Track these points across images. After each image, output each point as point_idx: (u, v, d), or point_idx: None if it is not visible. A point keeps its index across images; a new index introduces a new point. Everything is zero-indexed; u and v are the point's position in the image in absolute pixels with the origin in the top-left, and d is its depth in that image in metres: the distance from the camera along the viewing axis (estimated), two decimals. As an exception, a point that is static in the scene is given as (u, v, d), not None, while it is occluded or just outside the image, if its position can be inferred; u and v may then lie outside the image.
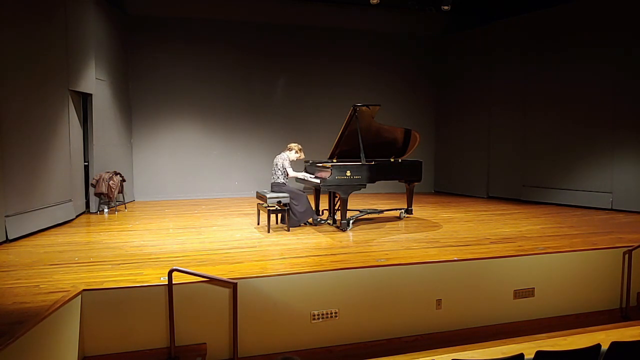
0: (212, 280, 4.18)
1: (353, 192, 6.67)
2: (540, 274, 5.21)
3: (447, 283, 4.89)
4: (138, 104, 10.01)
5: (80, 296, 3.89)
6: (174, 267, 4.06)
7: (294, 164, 7.08)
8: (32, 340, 3.22)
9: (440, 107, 11.81)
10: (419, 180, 7.50)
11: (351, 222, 6.89)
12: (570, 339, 3.43)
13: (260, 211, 7.02)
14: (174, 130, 10.26)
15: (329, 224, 7.14)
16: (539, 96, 9.54)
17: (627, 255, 5.45)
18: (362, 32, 11.22)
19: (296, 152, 7.04)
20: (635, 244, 5.52)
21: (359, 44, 11.25)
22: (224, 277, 4.22)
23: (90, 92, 8.04)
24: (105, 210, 8.31)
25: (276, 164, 6.98)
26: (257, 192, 7.09)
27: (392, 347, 4.52)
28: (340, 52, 11.13)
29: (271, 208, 6.56)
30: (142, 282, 4.18)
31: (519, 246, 5.63)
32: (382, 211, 7.86)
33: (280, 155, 7.03)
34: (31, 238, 6.17)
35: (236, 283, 4.18)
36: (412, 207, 7.83)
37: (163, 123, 10.18)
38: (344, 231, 6.62)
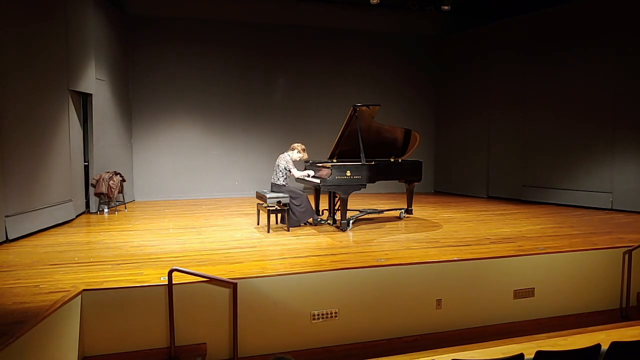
0: (212, 280, 4.18)
1: (353, 192, 6.67)
2: (540, 274, 5.21)
3: (447, 283, 4.89)
4: (138, 104, 10.01)
5: (80, 296, 3.89)
6: (174, 267, 4.06)
7: (296, 163, 7.05)
8: (32, 340, 3.22)
9: (440, 107, 11.80)
10: (419, 180, 7.50)
11: (351, 222, 6.89)
12: (570, 339, 3.43)
13: (260, 211, 7.02)
14: (174, 130, 10.26)
15: (329, 224, 7.14)
16: (539, 96, 9.53)
17: (627, 255, 5.45)
18: (362, 32, 11.22)
19: (299, 151, 6.99)
20: (635, 244, 5.52)
21: (359, 44, 11.24)
22: (224, 277, 4.22)
23: (90, 92, 8.04)
24: (105, 210, 8.31)
25: (277, 165, 6.95)
26: (257, 192, 7.08)
27: (392, 347, 4.53)
28: (340, 52, 11.12)
29: (271, 208, 6.56)
30: (142, 282, 4.18)
31: (519, 246, 5.63)
32: (382, 211, 7.86)
33: (282, 155, 6.99)
34: (31, 238, 6.17)
35: (236, 283, 4.18)
36: (412, 207, 7.83)
37: (163, 123, 10.17)
38: (344, 231, 6.62)
